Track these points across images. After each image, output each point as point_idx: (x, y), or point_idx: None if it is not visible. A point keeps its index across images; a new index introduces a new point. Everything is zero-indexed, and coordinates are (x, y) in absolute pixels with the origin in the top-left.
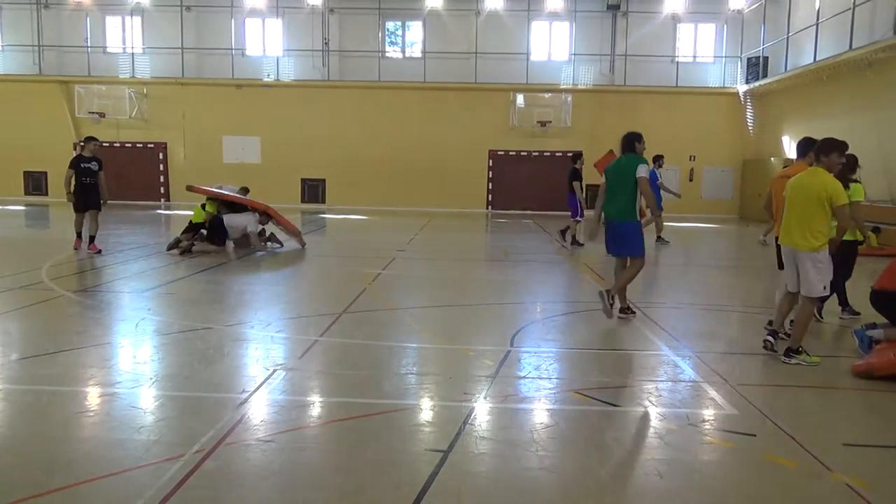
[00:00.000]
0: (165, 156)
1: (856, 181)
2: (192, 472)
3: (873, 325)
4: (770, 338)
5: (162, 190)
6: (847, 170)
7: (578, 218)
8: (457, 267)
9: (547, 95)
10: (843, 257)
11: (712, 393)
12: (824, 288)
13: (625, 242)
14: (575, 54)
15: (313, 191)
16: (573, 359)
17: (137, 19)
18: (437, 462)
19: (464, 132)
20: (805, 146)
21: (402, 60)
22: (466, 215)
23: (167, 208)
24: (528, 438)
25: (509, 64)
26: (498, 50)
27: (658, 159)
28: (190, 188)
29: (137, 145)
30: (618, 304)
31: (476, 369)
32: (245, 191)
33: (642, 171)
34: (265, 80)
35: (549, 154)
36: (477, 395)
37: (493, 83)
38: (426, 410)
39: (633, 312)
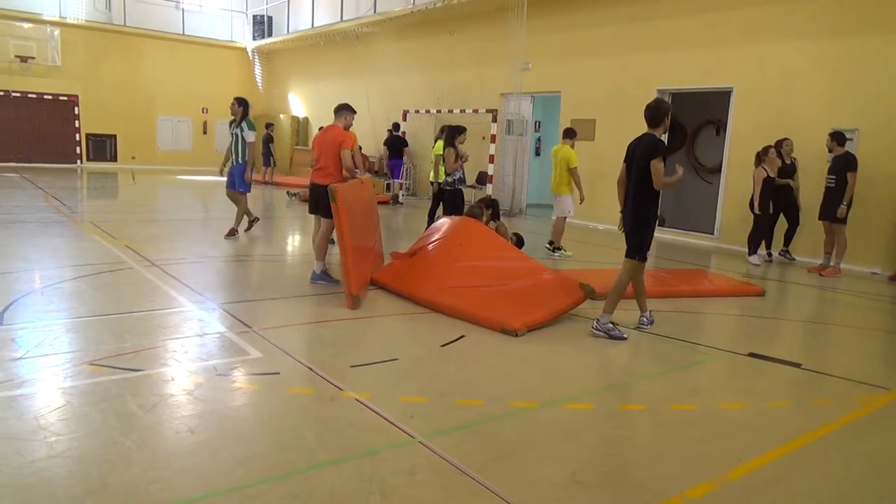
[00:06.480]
0: None
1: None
2: None
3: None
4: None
5: None
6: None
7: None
8: None
9: (27, 26)
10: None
11: (238, 341)
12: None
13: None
14: None
15: None
16: (85, 328)
17: None
18: None
19: None
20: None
21: None
22: None
23: None
24: (32, 427)
25: None
26: None
27: None
28: None
29: None
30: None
31: None
32: None
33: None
34: None
35: (35, 96)
36: None
37: None
38: None
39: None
